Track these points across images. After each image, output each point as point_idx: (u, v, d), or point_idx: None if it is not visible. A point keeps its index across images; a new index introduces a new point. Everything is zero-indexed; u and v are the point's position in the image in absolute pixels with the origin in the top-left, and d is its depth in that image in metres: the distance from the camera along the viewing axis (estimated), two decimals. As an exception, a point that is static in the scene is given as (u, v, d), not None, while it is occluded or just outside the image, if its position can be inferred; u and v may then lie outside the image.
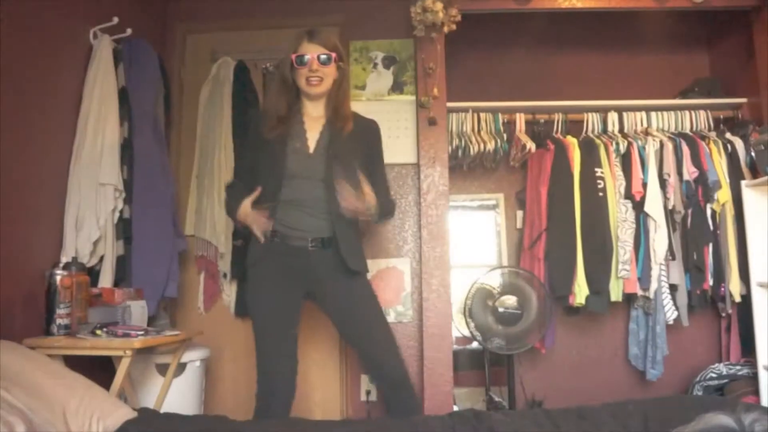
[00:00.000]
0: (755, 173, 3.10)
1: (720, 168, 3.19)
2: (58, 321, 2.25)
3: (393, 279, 3.36)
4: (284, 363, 2.32)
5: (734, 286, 3.12)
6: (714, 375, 3.12)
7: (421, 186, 3.15)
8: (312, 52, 2.41)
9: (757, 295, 2.95)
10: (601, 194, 3.19)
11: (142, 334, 2.28)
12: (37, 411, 1.59)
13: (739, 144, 3.25)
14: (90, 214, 2.57)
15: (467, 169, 3.66)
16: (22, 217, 2.34)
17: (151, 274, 2.83)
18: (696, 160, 3.20)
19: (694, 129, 3.39)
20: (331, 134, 2.44)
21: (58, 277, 2.26)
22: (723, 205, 3.17)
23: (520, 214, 3.67)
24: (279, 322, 2.33)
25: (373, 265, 3.41)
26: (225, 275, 3.41)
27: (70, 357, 2.21)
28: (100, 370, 2.44)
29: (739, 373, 3.06)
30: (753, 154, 3.05)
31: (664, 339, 3.22)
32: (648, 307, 3.24)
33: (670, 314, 3.18)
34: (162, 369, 2.70)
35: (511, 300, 2.97)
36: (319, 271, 2.36)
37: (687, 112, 3.41)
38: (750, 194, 3.02)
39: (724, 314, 3.35)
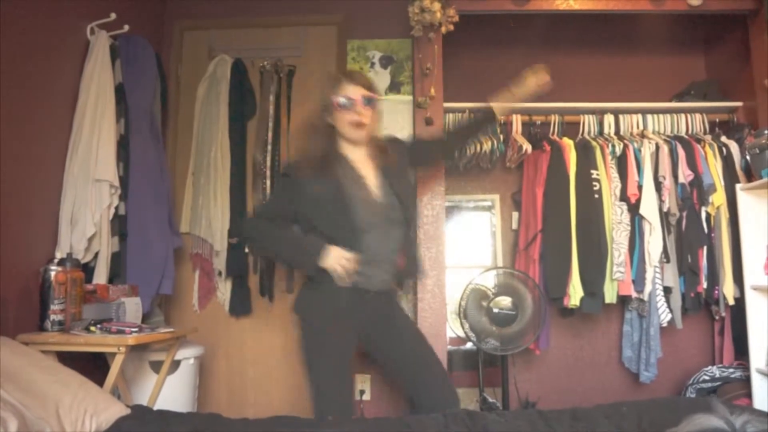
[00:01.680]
0: (750, 177, 3.10)
1: (715, 171, 3.20)
2: (52, 317, 2.25)
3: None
4: (345, 402, 2.27)
5: (728, 289, 3.13)
6: (707, 377, 3.13)
7: (416, 186, 3.15)
8: (355, 93, 2.35)
9: (751, 298, 2.96)
10: (596, 196, 3.20)
11: (136, 331, 2.27)
12: (30, 407, 1.59)
13: (734, 147, 3.26)
14: (85, 210, 2.57)
15: (463, 169, 3.66)
16: (17, 212, 2.33)
17: (146, 271, 2.82)
18: (691, 163, 3.20)
19: (690, 132, 3.40)
20: (384, 174, 2.41)
21: (53, 273, 2.26)
22: (718, 208, 3.18)
23: (515, 215, 3.68)
24: (342, 365, 2.29)
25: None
26: (220, 273, 3.42)
27: (64, 353, 2.20)
28: (93, 366, 2.44)
29: (732, 375, 3.07)
30: (748, 157, 3.05)
31: (658, 341, 3.22)
32: (642, 310, 3.25)
33: (664, 317, 3.19)
34: (156, 366, 2.69)
35: (505, 301, 2.97)
36: (375, 314, 2.36)
37: (683, 115, 3.42)
38: (745, 198, 3.03)
39: (717, 317, 3.36)
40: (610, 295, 3.18)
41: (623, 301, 3.32)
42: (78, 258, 2.48)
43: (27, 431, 1.47)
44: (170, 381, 2.72)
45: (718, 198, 3.17)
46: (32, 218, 2.44)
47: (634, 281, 3.17)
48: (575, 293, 3.14)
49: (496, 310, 2.95)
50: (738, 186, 3.07)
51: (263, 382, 3.41)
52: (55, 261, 2.33)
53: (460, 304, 3.02)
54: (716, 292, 3.17)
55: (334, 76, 2.45)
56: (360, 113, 2.34)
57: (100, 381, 2.06)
